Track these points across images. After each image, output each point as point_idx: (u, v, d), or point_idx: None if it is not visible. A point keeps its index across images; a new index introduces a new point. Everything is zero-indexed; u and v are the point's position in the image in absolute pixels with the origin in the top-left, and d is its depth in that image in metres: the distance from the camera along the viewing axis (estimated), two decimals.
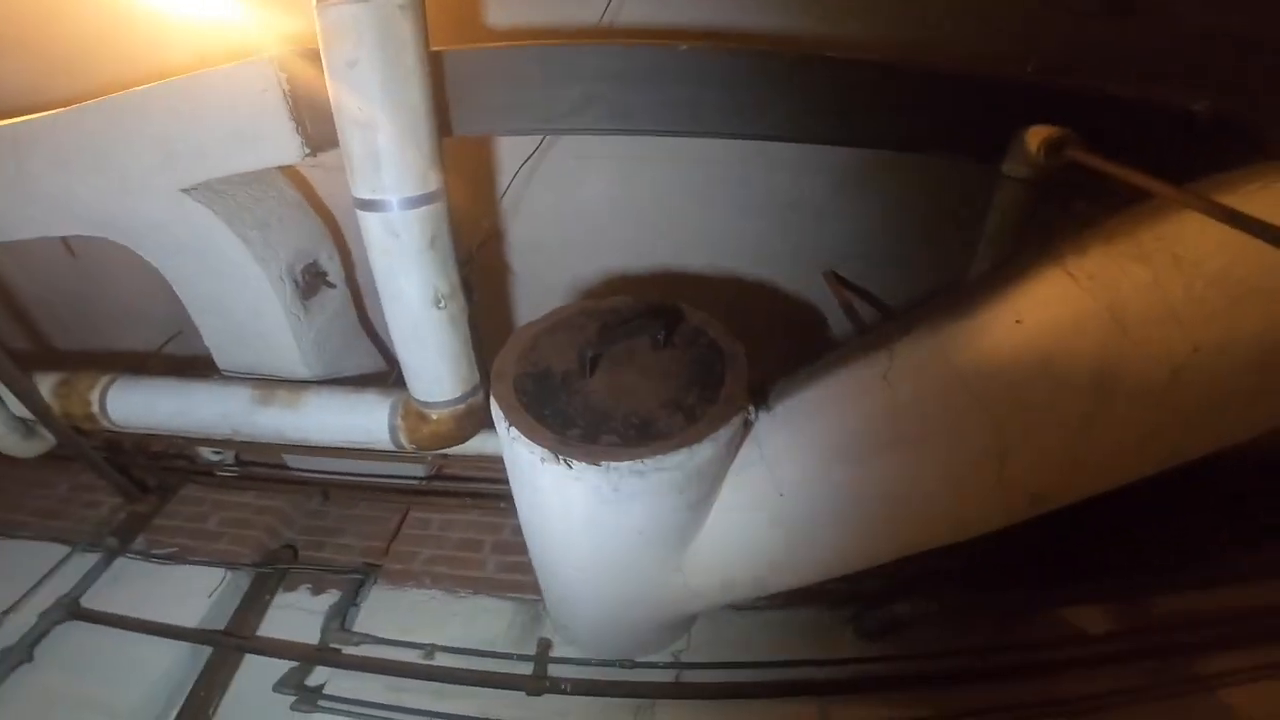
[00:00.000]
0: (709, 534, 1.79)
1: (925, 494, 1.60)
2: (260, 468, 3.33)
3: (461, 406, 2.14)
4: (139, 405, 2.42)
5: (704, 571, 1.87)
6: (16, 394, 2.52)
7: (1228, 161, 1.42)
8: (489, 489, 3.07)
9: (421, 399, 2.10)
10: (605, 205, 2.40)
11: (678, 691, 2.31)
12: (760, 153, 2.17)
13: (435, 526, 3.00)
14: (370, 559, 2.89)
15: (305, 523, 3.15)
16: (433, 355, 1.97)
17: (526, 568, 2.76)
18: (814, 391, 1.65)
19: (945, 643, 2.48)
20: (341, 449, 2.40)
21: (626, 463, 1.45)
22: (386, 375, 2.74)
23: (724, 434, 1.51)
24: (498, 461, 2.58)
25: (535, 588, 2.66)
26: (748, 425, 1.63)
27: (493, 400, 1.59)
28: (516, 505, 1.90)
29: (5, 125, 2.13)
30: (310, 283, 2.48)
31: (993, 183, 1.89)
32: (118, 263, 2.77)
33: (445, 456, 2.59)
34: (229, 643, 2.54)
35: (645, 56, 1.83)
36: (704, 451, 1.49)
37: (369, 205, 1.70)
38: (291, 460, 3.25)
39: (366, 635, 2.46)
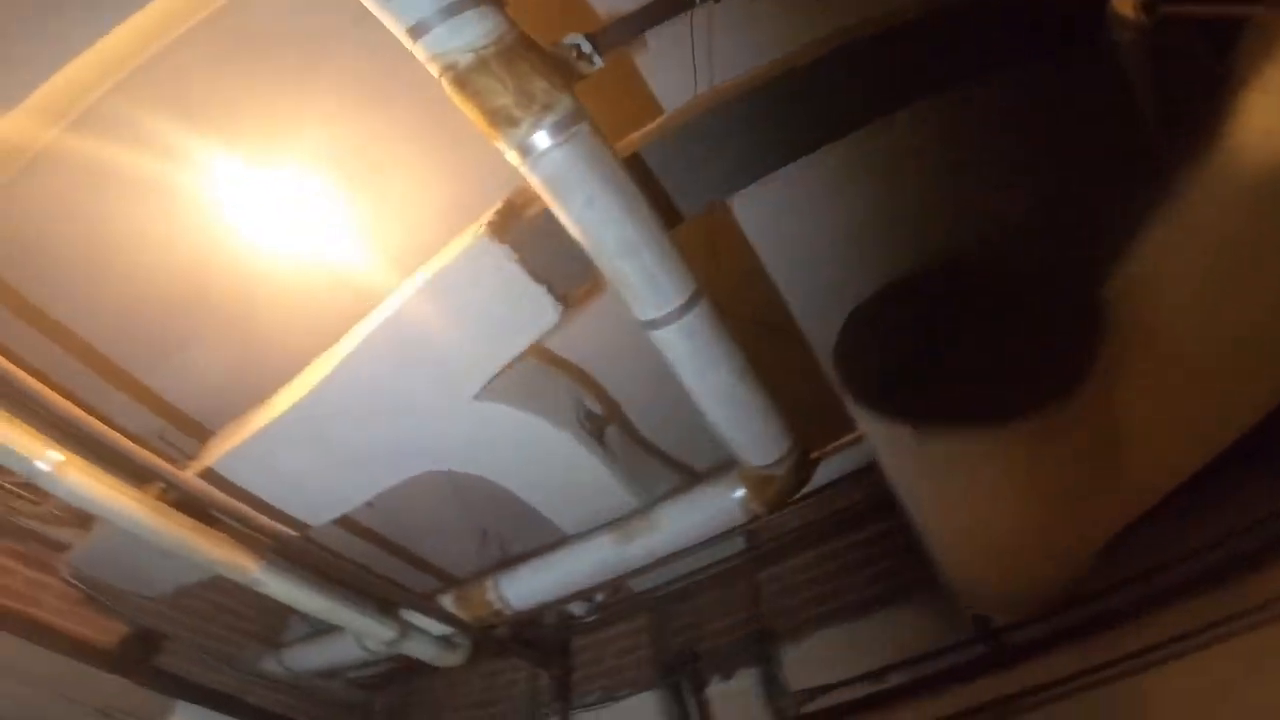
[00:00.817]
0: (1134, 434, 1.73)
1: None
2: (614, 602, 3.65)
3: (795, 455, 2.27)
4: (531, 586, 2.82)
5: (1139, 469, 1.81)
6: (439, 619, 3.03)
7: None
8: (813, 516, 3.12)
9: (759, 464, 2.25)
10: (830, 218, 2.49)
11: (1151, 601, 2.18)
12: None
13: (788, 574, 3.11)
14: (753, 627, 3.04)
15: (675, 625, 3.40)
16: (759, 423, 2.12)
17: (901, 569, 2.78)
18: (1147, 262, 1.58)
19: None
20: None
21: (1037, 420, 1.48)
22: (691, 471, 2.94)
23: (1103, 358, 1.50)
24: (821, 490, 2.70)
25: (923, 583, 2.64)
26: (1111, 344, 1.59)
27: (870, 418, 1.69)
28: (918, 510, 1.97)
29: (292, 406, 2.22)
30: (596, 426, 2.78)
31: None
32: (409, 498, 2.98)
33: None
34: None
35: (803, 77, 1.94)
36: (1095, 381, 1.48)
37: (657, 323, 1.87)
38: (634, 583, 3.54)
39: (812, 689, 2.57)
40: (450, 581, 3.39)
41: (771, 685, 2.71)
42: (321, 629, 3.37)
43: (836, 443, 2.56)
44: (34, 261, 2.31)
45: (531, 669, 3.65)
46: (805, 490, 2.50)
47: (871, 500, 2.87)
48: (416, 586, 3.48)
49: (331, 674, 3.75)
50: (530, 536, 3.22)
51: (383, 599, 2.88)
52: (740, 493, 2.36)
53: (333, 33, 2.01)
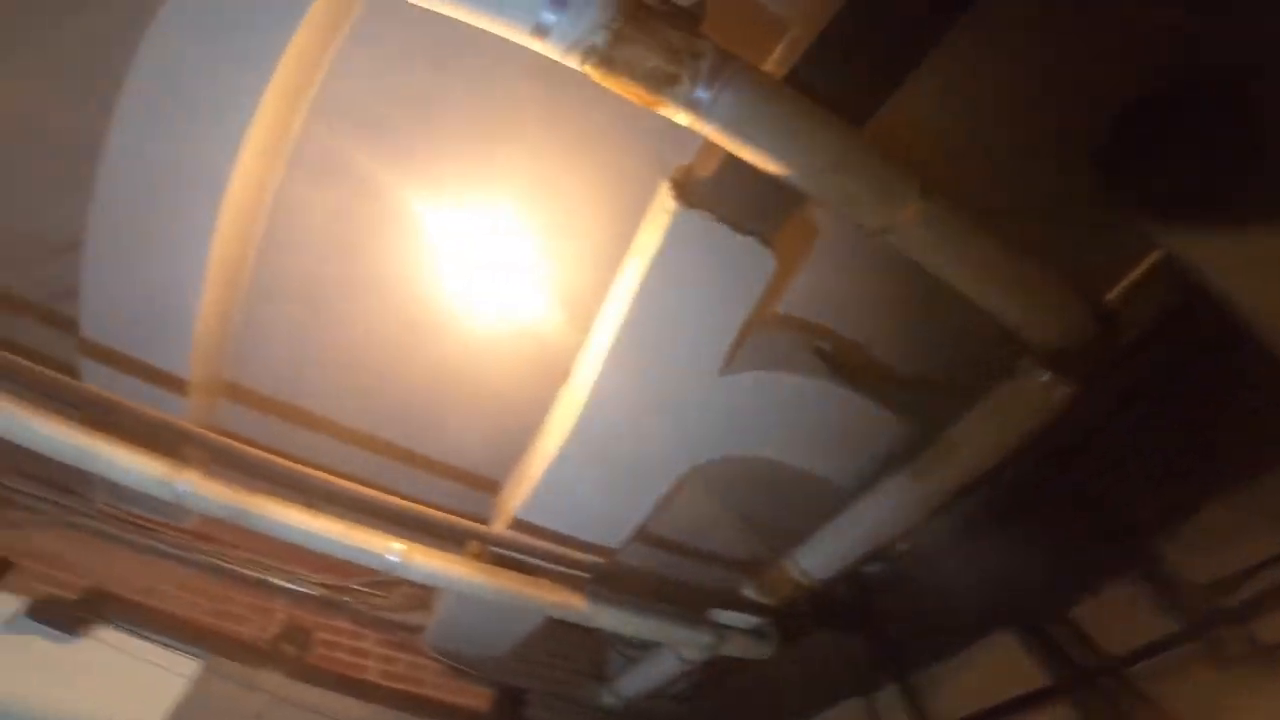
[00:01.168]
0: None
1: None
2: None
3: (1090, 311, 1.95)
4: (833, 552, 2.69)
5: None
6: (747, 611, 3.01)
7: None
8: (1130, 382, 2.55)
9: (1055, 336, 1.93)
10: None
11: None
12: None
13: (1122, 459, 2.56)
14: (1098, 528, 2.58)
15: (992, 556, 3.03)
16: (1040, 285, 1.84)
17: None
18: None
19: None
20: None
21: None
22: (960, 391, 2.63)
23: None
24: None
25: None
26: None
27: (1198, 234, 1.37)
28: None
29: (568, 436, 2.29)
30: (839, 366, 2.58)
31: None
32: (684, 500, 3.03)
33: None
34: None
35: None
36: None
37: (895, 227, 1.70)
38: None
39: (1225, 579, 2.11)
40: (745, 570, 3.34)
41: (1163, 584, 2.27)
42: (638, 654, 3.51)
43: (1127, 281, 2.14)
44: (301, 372, 2.66)
45: (840, 642, 3.47)
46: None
47: (1198, 343, 2.32)
48: (713, 584, 3.49)
49: (657, 694, 3.87)
50: (800, 513, 3.10)
51: (691, 604, 2.90)
52: (1045, 376, 2.02)
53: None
